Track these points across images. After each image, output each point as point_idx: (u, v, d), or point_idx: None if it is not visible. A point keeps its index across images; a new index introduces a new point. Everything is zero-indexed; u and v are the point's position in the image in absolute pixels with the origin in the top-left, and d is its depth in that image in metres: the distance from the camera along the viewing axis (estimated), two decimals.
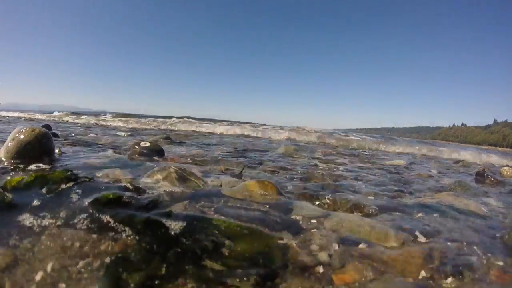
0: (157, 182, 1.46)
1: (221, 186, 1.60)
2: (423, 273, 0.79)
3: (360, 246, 0.92)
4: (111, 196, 0.93)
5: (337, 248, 0.89)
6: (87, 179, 1.13)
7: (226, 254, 0.77)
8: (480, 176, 2.81)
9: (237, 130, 9.97)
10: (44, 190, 1.02)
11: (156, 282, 0.64)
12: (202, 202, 1.26)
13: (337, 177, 2.15)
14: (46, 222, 0.84)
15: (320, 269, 0.76)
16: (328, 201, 1.44)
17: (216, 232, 0.88)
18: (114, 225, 0.80)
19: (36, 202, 0.94)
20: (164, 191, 1.28)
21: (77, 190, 1.05)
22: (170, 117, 14.10)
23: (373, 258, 0.84)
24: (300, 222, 1.09)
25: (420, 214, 1.31)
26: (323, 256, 0.83)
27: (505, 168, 3.42)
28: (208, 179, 1.67)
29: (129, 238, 0.77)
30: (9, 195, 0.88)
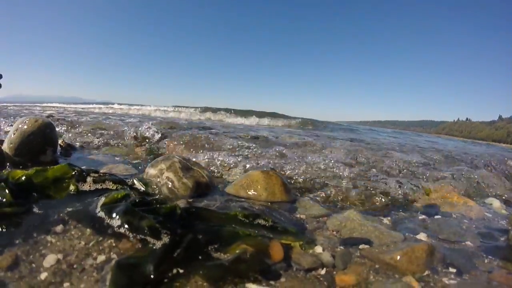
0: (161, 173, 1.46)
1: (224, 176, 1.60)
2: (426, 274, 0.79)
3: (363, 246, 0.92)
4: (118, 196, 0.92)
5: (339, 248, 0.89)
6: (92, 173, 1.12)
7: (231, 254, 0.77)
8: (488, 168, 2.76)
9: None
10: (45, 185, 1.02)
11: (166, 280, 0.65)
12: (206, 196, 1.26)
13: (342, 171, 2.14)
14: (45, 220, 0.83)
15: (323, 271, 0.77)
16: (331, 196, 1.43)
17: (220, 230, 0.88)
18: (121, 226, 0.79)
19: (35, 199, 0.94)
20: (169, 184, 1.27)
21: (77, 184, 1.04)
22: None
23: (376, 258, 0.84)
24: (303, 220, 1.10)
25: (423, 215, 1.30)
26: (325, 256, 0.83)
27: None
28: (212, 168, 1.67)
29: (135, 239, 0.76)
30: (10, 195, 0.88)
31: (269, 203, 1.22)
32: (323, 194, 1.45)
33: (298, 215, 1.14)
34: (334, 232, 1.01)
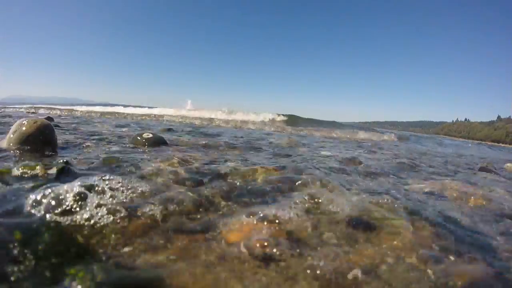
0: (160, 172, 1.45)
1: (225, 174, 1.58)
2: (432, 252, 0.77)
3: (369, 230, 0.90)
4: None
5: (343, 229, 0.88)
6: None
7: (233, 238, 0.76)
8: (485, 171, 2.79)
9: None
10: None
11: None
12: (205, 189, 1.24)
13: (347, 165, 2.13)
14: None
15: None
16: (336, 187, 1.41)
17: (222, 216, 0.87)
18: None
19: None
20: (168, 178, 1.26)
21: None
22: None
23: (381, 240, 0.83)
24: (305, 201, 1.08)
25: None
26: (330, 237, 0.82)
27: (508, 164, 3.41)
28: (212, 166, 1.66)
29: None
30: None
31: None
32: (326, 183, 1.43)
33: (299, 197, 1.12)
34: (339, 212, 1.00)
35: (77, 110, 10.28)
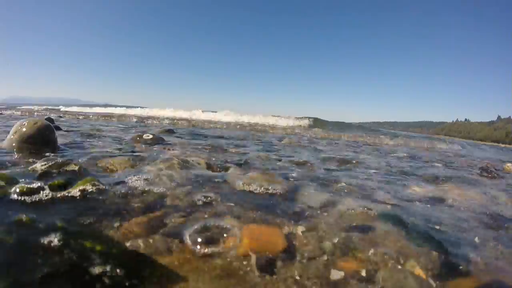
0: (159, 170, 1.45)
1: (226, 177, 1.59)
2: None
3: (365, 234, 0.91)
4: None
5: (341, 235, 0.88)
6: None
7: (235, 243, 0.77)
8: (484, 171, 2.80)
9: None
10: None
11: None
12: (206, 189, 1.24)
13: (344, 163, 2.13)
14: None
15: (325, 257, 0.76)
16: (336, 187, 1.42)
17: (227, 218, 0.87)
18: None
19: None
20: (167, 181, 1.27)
21: None
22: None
23: (378, 245, 0.83)
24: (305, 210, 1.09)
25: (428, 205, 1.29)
26: (327, 243, 0.82)
27: (508, 164, 3.41)
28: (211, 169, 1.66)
29: None
30: None
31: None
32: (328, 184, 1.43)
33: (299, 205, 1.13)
34: (336, 221, 1.00)
35: (72, 112, 10.35)
